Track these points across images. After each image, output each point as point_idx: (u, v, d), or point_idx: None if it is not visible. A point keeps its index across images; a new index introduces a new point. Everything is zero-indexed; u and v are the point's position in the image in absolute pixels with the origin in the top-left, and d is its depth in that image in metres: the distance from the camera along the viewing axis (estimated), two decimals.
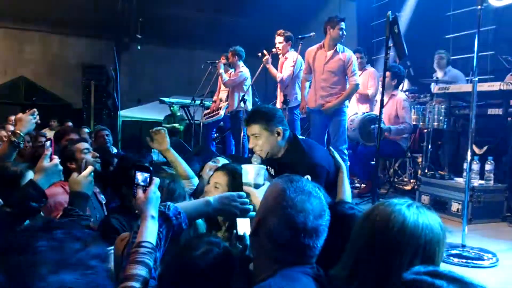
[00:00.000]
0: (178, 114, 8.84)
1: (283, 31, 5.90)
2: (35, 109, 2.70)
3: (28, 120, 2.64)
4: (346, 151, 5.00)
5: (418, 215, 1.20)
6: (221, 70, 6.54)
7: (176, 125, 8.77)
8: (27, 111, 2.69)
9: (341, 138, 4.97)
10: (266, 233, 1.31)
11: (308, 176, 2.12)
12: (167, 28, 11.00)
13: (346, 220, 1.55)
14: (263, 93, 8.39)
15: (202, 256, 1.48)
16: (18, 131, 2.57)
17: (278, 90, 5.87)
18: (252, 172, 1.98)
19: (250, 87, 6.32)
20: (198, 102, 7.29)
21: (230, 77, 6.48)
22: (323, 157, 2.68)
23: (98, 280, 0.70)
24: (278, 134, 2.71)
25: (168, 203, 1.59)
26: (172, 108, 8.80)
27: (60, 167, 2.01)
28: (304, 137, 2.92)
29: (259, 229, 1.35)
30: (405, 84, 6.36)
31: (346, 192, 2.43)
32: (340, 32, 4.95)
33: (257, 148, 2.72)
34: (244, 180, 2.00)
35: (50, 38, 11.92)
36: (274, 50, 5.84)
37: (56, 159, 2.00)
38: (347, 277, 1.22)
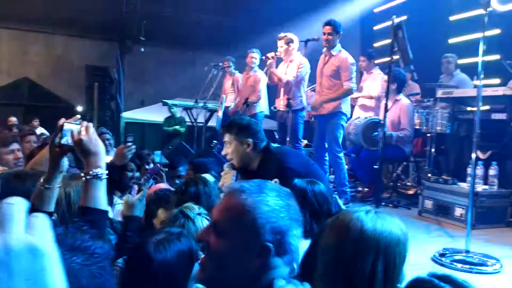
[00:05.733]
0: (178, 115, 8.83)
1: (284, 34, 5.64)
2: (133, 146, 3.03)
3: (123, 153, 2.97)
4: (340, 155, 4.99)
5: (375, 220, 1.24)
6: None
7: (178, 127, 8.79)
8: (125, 144, 3.06)
9: (335, 141, 4.95)
10: None
11: (277, 180, 2.16)
12: (170, 30, 11.02)
13: None
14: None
15: (158, 245, 1.47)
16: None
17: (282, 93, 5.66)
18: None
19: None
20: (201, 104, 7.28)
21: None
22: (297, 162, 2.75)
23: (104, 267, 0.79)
24: (248, 145, 2.83)
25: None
26: (172, 110, 8.79)
27: None
28: (280, 146, 3.04)
29: None
30: (412, 89, 6.32)
31: None
32: (323, 36, 4.93)
33: (228, 156, 2.89)
34: None
35: (54, 39, 11.95)
36: (277, 53, 5.57)
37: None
38: (317, 281, 1.26)
